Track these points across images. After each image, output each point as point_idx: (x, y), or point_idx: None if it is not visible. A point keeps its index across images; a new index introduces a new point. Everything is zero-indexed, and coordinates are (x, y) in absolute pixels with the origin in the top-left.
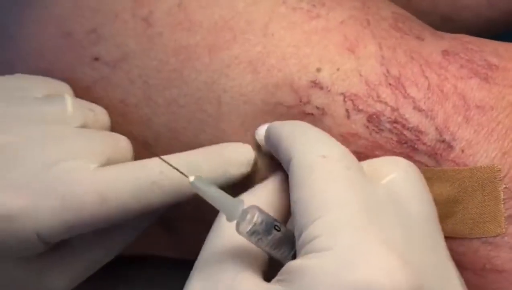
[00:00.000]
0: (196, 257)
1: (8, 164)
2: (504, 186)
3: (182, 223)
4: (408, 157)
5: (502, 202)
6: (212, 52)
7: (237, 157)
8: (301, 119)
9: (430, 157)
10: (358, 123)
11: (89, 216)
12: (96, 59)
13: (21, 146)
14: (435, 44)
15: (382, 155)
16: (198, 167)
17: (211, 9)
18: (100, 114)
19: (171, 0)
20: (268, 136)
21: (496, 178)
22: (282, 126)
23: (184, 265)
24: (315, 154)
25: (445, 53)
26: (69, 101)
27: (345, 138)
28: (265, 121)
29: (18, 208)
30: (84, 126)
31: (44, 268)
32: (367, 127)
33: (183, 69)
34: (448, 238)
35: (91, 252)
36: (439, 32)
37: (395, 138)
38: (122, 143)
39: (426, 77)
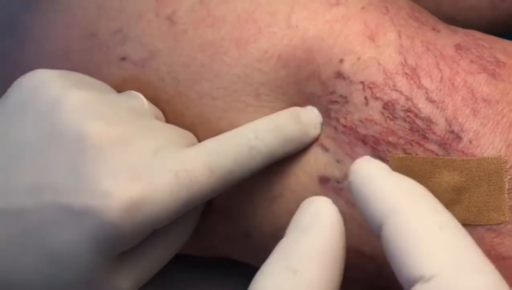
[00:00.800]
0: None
1: (122, 153)
2: (509, 176)
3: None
4: (419, 145)
5: (507, 192)
6: (240, 46)
7: (312, 119)
8: (329, 106)
9: (440, 146)
10: (375, 110)
11: (199, 189)
12: (123, 59)
13: (129, 136)
14: (449, 38)
15: (396, 141)
16: (286, 128)
17: (233, 3)
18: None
19: None
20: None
21: (502, 169)
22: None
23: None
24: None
25: (458, 47)
26: (143, 96)
27: (363, 124)
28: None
29: (139, 193)
30: (156, 118)
31: (117, 267)
32: (383, 114)
33: (212, 64)
34: None
35: (154, 251)
36: (452, 26)
37: (407, 126)
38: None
39: (440, 70)
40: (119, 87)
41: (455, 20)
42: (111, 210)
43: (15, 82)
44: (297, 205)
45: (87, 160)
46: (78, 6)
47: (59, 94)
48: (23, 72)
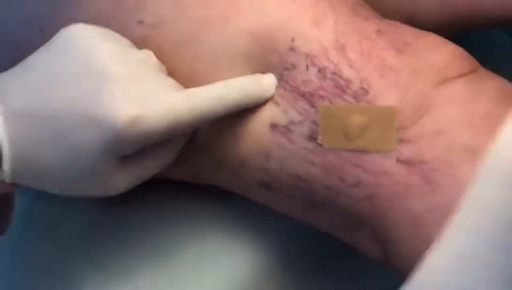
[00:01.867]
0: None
1: (132, 88)
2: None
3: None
4: (339, 97)
5: (396, 130)
6: (224, 23)
7: (270, 83)
8: (283, 72)
9: (353, 98)
10: (312, 74)
11: (181, 121)
12: (140, 22)
13: (139, 78)
14: (374, 25)
15: (324, 95)
16: (249, 88)
17: None
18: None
19: None
20: None
21: (393, 114)
22: None
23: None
24: None
25: (378, 31)
26: (152, 53)
27: (303, 83)
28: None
29: (139, 113)
30: (161, 71)
31: (117, 168)
32: (317, 76)
33: (203, 33)
34: (358, 151)
35: (145, 162)
36: (385, 19)
37: (333, 84)
38: None
39: (361, 46)
40: (136, 44)
41: (413, 20)
42: (118, 122)
43: (59, 32)
44: (254, 144)
45: (107, 88)
46: None
47: (91, 42)
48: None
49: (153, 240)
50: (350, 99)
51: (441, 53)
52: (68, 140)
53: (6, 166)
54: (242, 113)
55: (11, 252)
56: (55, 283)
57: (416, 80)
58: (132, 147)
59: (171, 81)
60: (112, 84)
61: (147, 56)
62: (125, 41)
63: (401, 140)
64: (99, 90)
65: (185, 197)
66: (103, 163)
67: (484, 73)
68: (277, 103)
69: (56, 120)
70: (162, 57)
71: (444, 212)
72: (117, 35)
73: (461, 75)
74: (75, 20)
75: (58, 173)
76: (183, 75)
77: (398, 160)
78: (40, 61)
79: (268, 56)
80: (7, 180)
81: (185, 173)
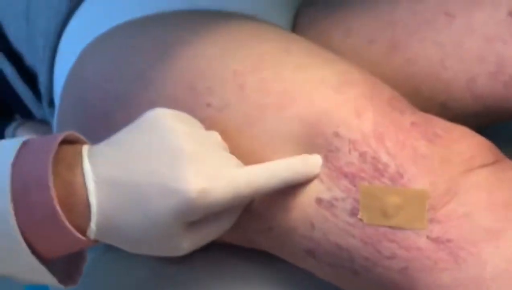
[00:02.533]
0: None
1: (202, 164)
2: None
3: None
4: (377, 179)
5: (427, 211)
6: (280, 109)
7: (315, 162)
8: (327, 153)
9: (390, 180)
10: (353, 157)
11: (241, 195)
12: (209, 105)
13: (208, 155)
14: (409, 117)
15: (364, 176)
16: (297, 167)
17: (280, 82)
18: None
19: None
20: None
21: (424, 196)
22: None
23: None
24: None
25: (412, 123)
26: (218, 134)
27: (346, 165)
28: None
29: (208, 186)
30: (224, 149)
31: (185, 231)
32: (359, 159)
33: (262, 117)
34: (394, 228)
35: (209, 227)
36: (419, 112)
37: (372, 167)
38: None
39: (398, 136)
40: (203, 123)
41: (446, 108)
42: (190, 193)
43: (144, 114)
44: (301, 214)
45: (182, 164)
46: (186, 65)
47: (170, 125)
48: (144, 110)
49: None
50: (387, 181)
51: (468, 144)
52: (146, 207)
53: (93, 224)
54: (291, 188)
55: None
56: None
57: (445, 168)
58: (199, 214)
59: (233, 158)
60: (186, 161)
61: (214, 136)
62: (196, 122)
63: (431, 220)
64: (175, 165)
65: (240, 258)
66: (174, 228)
67: (508, 164)
68: (322, 181)
69: (137, 189)
70: (225, 136)
71: (468, 286)
72: (191, 118)
73: (486, 165)
74: (154, 100)
75: (135, 234)
76: (243, 153)
77: (429, 237)
78: (128, 138)
79: (315, 139)
80: (92, 237)
81: (240, 238)
